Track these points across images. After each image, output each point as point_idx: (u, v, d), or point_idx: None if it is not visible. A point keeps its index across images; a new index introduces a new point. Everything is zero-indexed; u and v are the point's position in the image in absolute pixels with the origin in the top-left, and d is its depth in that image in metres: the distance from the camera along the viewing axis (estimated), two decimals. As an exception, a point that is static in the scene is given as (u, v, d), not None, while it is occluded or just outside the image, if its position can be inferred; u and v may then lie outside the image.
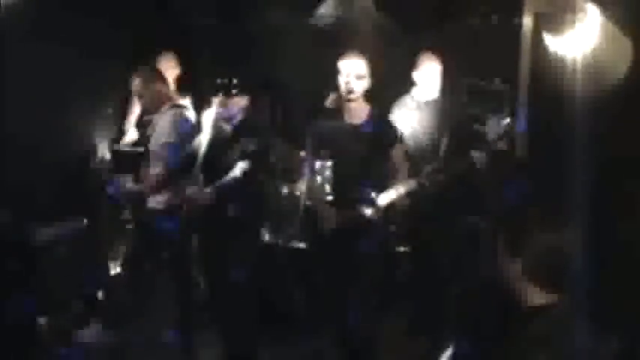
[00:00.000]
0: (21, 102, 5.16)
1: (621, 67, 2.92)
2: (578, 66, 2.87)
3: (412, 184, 4.58)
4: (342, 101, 4.52)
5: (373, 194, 4.47)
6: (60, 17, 5.33)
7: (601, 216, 3.61)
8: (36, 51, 5.13)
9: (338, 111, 4.56)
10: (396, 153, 4.61)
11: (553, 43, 2.93)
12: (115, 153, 5.26)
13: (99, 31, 5.56)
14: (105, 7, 5.60)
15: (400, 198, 4.59)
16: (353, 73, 4.40)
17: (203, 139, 4.76)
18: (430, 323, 5.19)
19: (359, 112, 4.54)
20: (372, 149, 4.48)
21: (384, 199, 4.49)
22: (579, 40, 2.84)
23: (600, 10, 2.85)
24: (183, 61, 5.94)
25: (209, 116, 4.86)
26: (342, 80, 4.43)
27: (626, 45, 2.91)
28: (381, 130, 4.55)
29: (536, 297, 2.57)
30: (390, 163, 4.59)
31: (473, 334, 3.06)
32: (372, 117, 4.56)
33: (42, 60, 5.18)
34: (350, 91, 4.41)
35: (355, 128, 4.52)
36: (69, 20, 5.30)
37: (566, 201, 3.35)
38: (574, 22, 2.80)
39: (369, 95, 4.55)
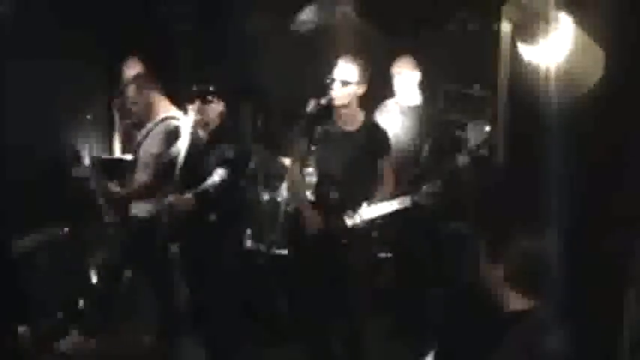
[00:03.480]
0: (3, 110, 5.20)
1: (594, 74, 3.02)
2: (552, 74, 2.96)
3: (407, 201, 4.61)
4: (334, 107, 4.55)
5: (364, 204, 4.52)
6: (40, 25, 5.37)
7: (579, 222, 3.72)
8: (15, 59, 5.17)
9: (330, 116, 4.60)
10: (385, 163, 4.65)
11: (527, 52, 3.03)
12: (100, 160, 5.28)
13: (78, 37, 5.62)
14: (85, 15, 5.63)
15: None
16: (338, 78, 4.46)
17: (181, 146, 4.80)
18: (413, 328, 5.28)
19: (351, 118, 4.59)
20: (362, 157, 4.54)
21: (373, 211, 4.53)
22: (553, 49, 2.93)
23: (573, 20, 2.95)
24: (162, 67, 5.96)
25: (186, 123, 4.91)
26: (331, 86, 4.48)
27: (598, 53, 3.02)
28: (373, 140, 4.60)
29: (517, 302, 2.67)
30: (378, 172, 4.64)
31: (455, 338, 3.16)
32: (365, 125, 4.61)
33: (21, 68, 5.22)
34: (334, 97, 4.47)
35: (347, 135, 4.57)
36: (48, 28, 5.35)
37: (545, 207, 3.44)
38: (547, 31, 2.90)
39: (363, 101, 4.60)
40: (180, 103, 5.06)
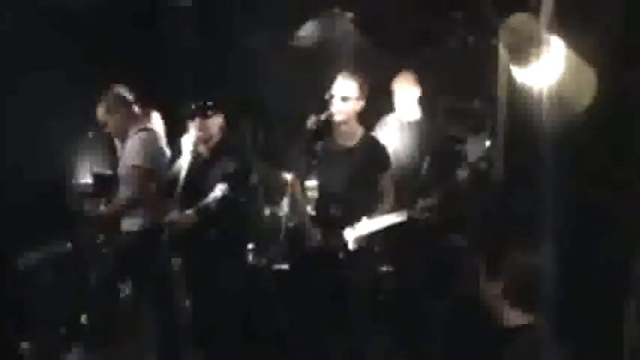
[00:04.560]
0: (4, 130, 5.28)
1: (585, 94, 3.10)
2: (546, 95, 3.05)
3: (403, 216, 4.66)
4: (333, 122, 4.62)
5: (364, 218, 4.57)
6: (38, 45, 5.46)
7: (577, 237, 3.79)
8: (16, 79, 5.29)
9: (330, 132, 4.67)
10: (385, 179, 4.71)
11: (521, 74, 3.12)
12: (94, 176, 5.38)
13: (78, 58, 5.72)
14: (84, 33, 5.72)
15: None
16: (338, 94, 4.53)
17: (183, 163, 4.89)
18: (412, 341, 5.33)
19: (350, 134, 4.66)
20: (361, 172, 4.60)
21: (370, 226, 4.58)
22: (545, 71, 3.02)
23: (564, 43, 3.04)
24: (153, 84, 6.03)
25: (188, 140, 4.99)
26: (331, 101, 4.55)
27: (589, 74, 3.11)
28: (373, 155, 4.67)
29: (515, 317, 2.74)
30: (378, 187, 4.70)
31: (453, 352, 3.23)
32: (364, 140, 4.68)
33: (22, 87, 5.35)
34: (333, 113, 4.54)
35: (346, 150, 4.64)
36: (47, 48, 5.43)
37: (542, 222, 3.51)
38: (540, 54, 2.98)
39: (362, 117, 4.67)
40: (181, 120, 5.14)
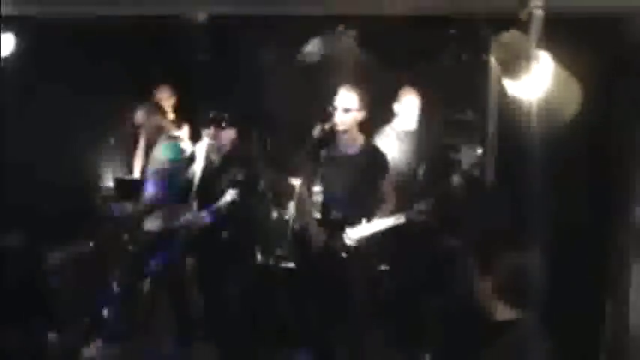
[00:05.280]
0: (33, 136, 5.37)
1: (571, 105, 3.16)
2: (534, 106, 3.10)
3: (401, 218, 4.69)
4: (336, 132, 4.66)
5: (363, 220, 4.61)
6: (65, 57, 5.54)
7: (562, 239, 3.83)
8: (46, 91, 5.38)
9: (333, 140, 4.71)
10: (386, 184, 4.74)
11: (511, 86, 3.17)
12: (117, 181, 5.42)
13: (101, 68, 5.78)
14: (108, 47, 5.79)
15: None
16: (340, 106, 4.58)
17: (197, 168, 4.94)
18: (408, 335, 5.36)
19: (352, 142, 4.69)
20: (363, 178, 4.63)
21: (369, 229, 4.62)
22: (534, 84, 3.08)
23: (552, 57, 3.10)
24: (180, 94, 6.10)
25: (201, 147, 5.06)
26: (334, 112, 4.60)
27: (575, 87, 3.16)
28: (373, 162, 4.70)
29: (505, 312, 2.79)
30: (379, 192, 4.72)
31: (446, 346, 3.27)
32: (365, 148, 4.72)
33: (51, 98, 5.43)
34: (336, 123, 4.59)
35: (348, 158, 4.68)
36: (74, 60, 5.50)
37: (530, 225, 3.55)
38: (529, 68, 3.04)
39: (364, 126, 4.72)
40: (196, 129, 5.19)
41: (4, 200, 5.04)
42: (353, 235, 4.60)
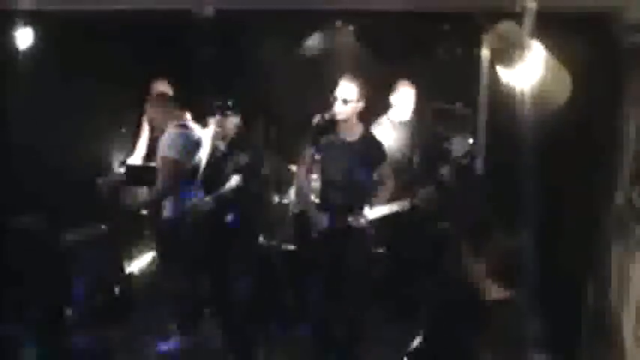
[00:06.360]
0: (50, 126, 5.29)
1: (561, 94, 3.10)
2: (526, 94, 3.05)
3: (406, 204, 4.64)
4: (336, 121, 4.58)
5: (367, 206, 4.55)
6: (80, 50, 5.45)
7: (549, 223, 3.75)
8: (62, 83, 5.30)
9: (333, 129, 4.63)
10: (383, 170, 4.69)
11: (505, 75, 3.10)
12: (129, 168, 5.30)
13: (113, 61, 5.71)
14: (119, 39, 5.70)
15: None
16: (340, 96, 4.51)
17: (202, 155, 4.84)
18: (404, 314, 5.29)
19: (351, 130, 4.62)
20: (361, 164, 4.57)
21: (376, 212, 4.56)
22: (526, 72, 3.02)
23: (544, 47, 3.03)
24: (187, 85, 5.99)
25: (207, 134, 4.96)
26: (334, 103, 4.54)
27: (565, 76, 3.10)
28: (371, 148, 4.64)
29: (496, 292, 2.72)
30: (379, 178, 4.68)
31: (441, 323, 3.18)
32: (363, 136, 4.65)
33: (66, 89, 5.33)
34: (336, 113, 4.51)
35: (348, 144, 4.60)
36: (87, 52, 5.40)
37: (520, 210, 3.48)
38: (522, 57, 2.98)
39: (362, 116, 4.64)
40: (203, 116, 5.10)
41: (23, 185, 4.97)
42: (358, 219, 4.51)
